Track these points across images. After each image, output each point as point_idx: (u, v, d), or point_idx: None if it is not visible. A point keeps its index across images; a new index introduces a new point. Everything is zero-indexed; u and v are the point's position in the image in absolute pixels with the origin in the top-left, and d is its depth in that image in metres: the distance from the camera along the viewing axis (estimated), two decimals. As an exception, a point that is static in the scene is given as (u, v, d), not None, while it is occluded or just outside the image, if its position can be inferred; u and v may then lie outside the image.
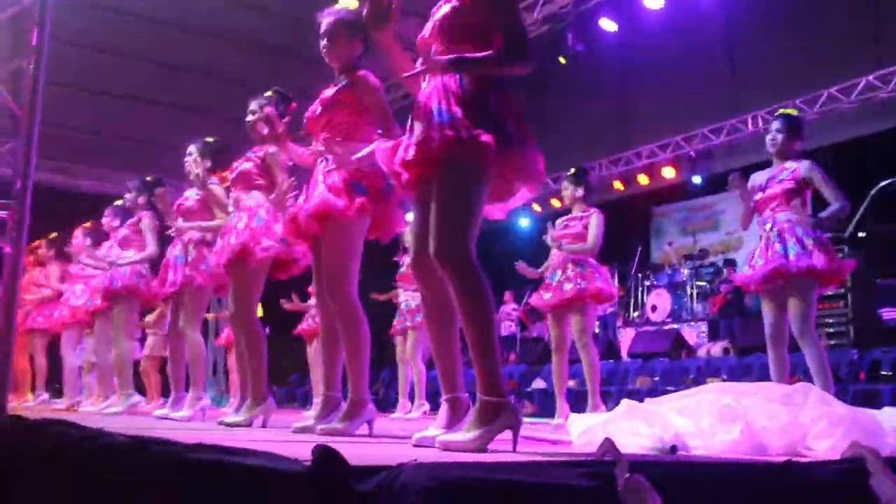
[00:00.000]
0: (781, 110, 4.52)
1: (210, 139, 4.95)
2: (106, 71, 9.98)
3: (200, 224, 4.77)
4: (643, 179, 11.68)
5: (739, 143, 10.96)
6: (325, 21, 3.33)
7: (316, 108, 3.35)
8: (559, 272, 5.34)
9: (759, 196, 4.41)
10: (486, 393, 2.36)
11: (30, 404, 7.33)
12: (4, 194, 3.62)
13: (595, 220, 5.34)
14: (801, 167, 4.30)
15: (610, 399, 7.08)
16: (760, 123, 10.27)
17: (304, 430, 3.20)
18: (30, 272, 7.88)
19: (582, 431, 2.84)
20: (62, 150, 11.97)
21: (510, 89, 2.61)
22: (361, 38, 3.30)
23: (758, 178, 4.51)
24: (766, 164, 4.56)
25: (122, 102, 10.86)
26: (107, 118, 11.10)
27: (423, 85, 2.63)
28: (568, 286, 5.20)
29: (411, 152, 2.47)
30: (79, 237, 6.76)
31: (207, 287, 4.76)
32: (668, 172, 11.27)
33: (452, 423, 2.53)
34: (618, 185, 12.05)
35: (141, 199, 5.74)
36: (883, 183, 2.34)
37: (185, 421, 4.49)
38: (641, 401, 2.92)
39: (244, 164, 4.17)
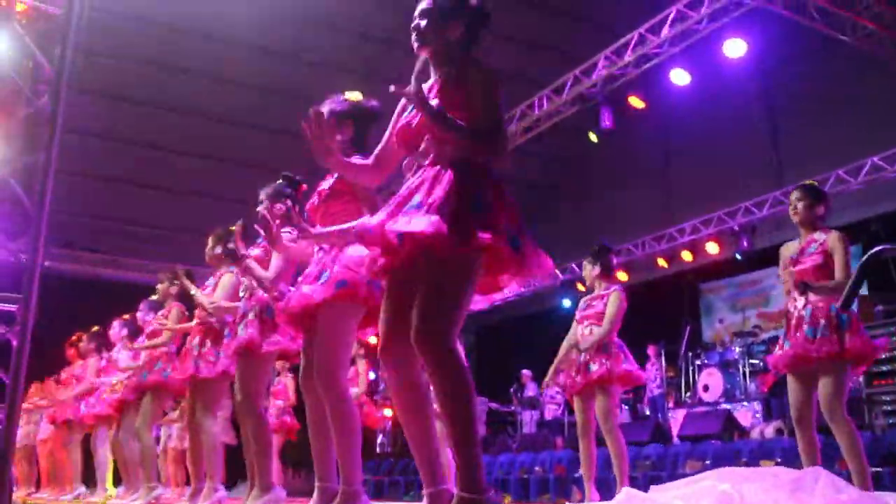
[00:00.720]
0: (801, 184, 4.45)
1: (232, 227, 4.96)
2: (150, 164, 10.46)
3: (208, 305, 4.80)
4: (687, 256, 11.50)
5: (784, 215, 10.74)
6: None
7: (314, 199, 3.38)
8: (584, 353, 5.21)
9: (790, 270, 4.29)
10: (462, 489, 2.23)
11: (66, 497, 7.36)
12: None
13: (613, 300, 5.21)
14: (830, 238, 4.18)
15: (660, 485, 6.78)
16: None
17: None
18: (72, 366, 8.03)
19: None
20: (111, 243, 12.45)
21: (506, 183, 2.57)
22: (351, 126, 3.32)
23: (787, 250, 4.39)
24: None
25: (169, 194, 11.31)
26: (153, 210, 11.55)
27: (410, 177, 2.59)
28: (594, 367, 5.06)
29: (399, 240, 2.36)
30: (115, 329, 6.87)
31: (219, 377, 4.76)
32: (712, 248, 11.07)
33: None
34: (662, 262, 11.88)
35: (172, 290, 5.83)
36: (874, 250, 2.18)
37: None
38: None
39: (253, 252, 4.20)
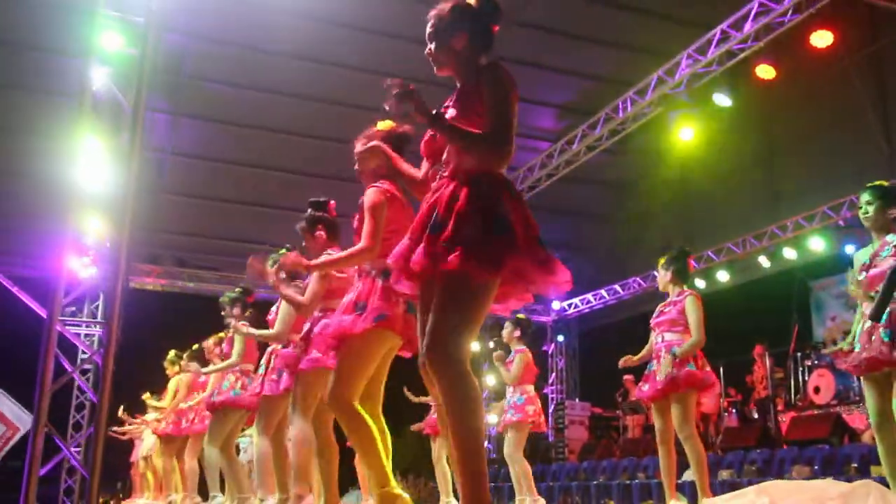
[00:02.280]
0: (870, 184, 4.23)
1: (283, 249, 5.05)
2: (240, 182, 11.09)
3: (253, 333, 5.09)
4: (790, 253, 11.08)
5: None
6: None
7: (356, 215, 3.50)
8: (654, 361, 5.15)
9: (862, 276, 4.11)
10: None
11: None
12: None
13: (691, 306, 5.08)
14: None
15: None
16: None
17: None
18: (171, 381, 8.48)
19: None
20: (221, 260, 13.06)
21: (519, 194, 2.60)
22: (380, 155, 3.46)
23: (861, 255, 4.21)
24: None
25: (267, 210, 11.87)
26: (255, 226, 12.12)
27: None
28: (660, 376, 5.00)
29: (416, 257, 2.44)
30: (209, 346, 7.21)
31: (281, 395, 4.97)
32: (817, 244, 10.62)
33: None
34: (764, 260, 11.49)
35: (235, 310, 6.08)
36: None
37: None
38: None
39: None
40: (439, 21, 2.62)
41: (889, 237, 4.04)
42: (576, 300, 14.90)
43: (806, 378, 10.63)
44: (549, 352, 15.43)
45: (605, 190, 13.53)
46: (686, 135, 9.19)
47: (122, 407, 9.45)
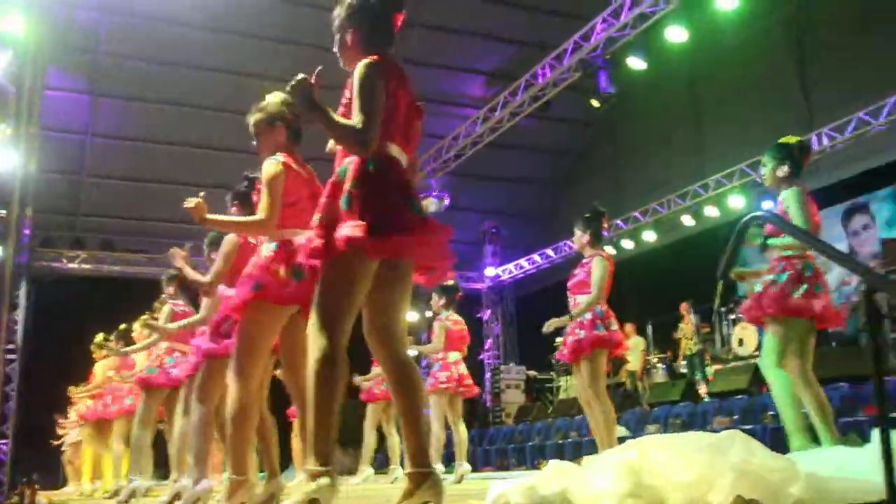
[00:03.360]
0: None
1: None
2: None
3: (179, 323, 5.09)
4: (713, 211, 11.33)
5: (814, 163, 10.44)
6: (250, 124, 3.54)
7: (256, 190, 3.51)
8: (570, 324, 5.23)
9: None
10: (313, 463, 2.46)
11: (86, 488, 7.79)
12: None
13: (597, 265, 5.14)
14: (786, 195, 4.08)
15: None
16: (827, 141, 9.81)
17: None
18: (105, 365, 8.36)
19: (497, 494, 2.79)
20: (147, 242, 12.83)
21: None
22: (283, 126, 3.44)
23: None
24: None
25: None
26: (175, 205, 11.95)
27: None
28: (570, 338, 5.10)
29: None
30: (137, 328, 7.13)
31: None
32: (737, 202, 10.89)
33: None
34: (688, 219, 11.74)
35: (169, 289, 6.05)
36: (751, 215, 2.12)
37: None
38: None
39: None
40: (338, 17, 2.70)
41: (781, 195, 4.12)
42: (510, 266, 15.05)
43: (731, 331, 10.94)
44: (485, 318, 15.56)
45: (534, 155, 13.63)
46: (611, 98, 9.26)
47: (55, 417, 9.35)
